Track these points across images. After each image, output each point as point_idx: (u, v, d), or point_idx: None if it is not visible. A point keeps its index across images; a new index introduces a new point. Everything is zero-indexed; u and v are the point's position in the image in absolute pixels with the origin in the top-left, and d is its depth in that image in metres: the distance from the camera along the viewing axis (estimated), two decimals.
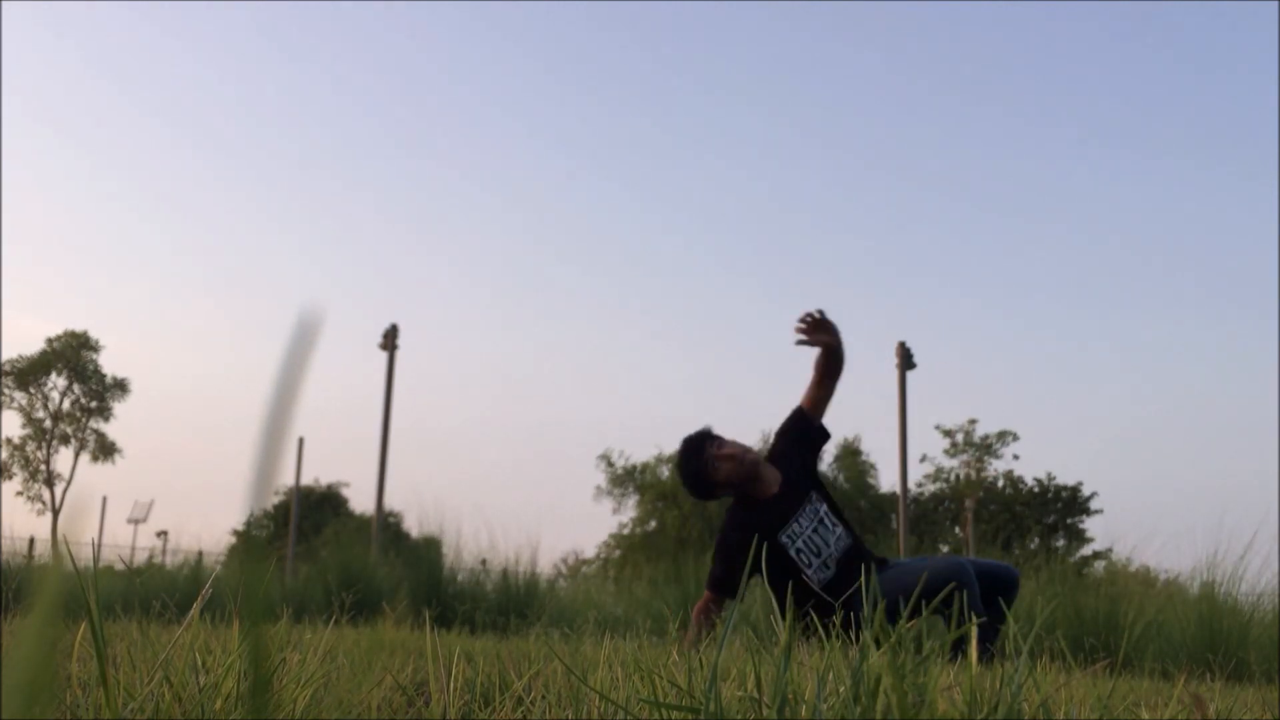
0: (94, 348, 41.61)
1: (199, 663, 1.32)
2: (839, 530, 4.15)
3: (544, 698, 1.52)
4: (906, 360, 11.29)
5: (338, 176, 53.56)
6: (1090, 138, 47.79)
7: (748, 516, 4.15)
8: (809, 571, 4.04)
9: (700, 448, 4.18)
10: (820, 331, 4.17)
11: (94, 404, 41.32)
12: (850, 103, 49.72)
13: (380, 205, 53.52)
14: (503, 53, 51.86)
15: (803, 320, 4.20)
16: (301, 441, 14.10)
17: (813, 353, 4.26)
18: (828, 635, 3.69)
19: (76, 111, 53.79)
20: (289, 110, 53.69)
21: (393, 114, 53.14)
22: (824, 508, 4.19)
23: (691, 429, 4.31)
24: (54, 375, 41.12)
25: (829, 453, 36.38)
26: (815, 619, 3.35)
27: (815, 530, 4.10)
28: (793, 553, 4.06)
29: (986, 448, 32.48)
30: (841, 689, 1.01)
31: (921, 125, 49.67)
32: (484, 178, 52.24)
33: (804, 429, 4.32)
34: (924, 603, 3.51)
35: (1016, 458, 32.54)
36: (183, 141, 54.05)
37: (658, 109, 51.66)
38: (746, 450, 4.19)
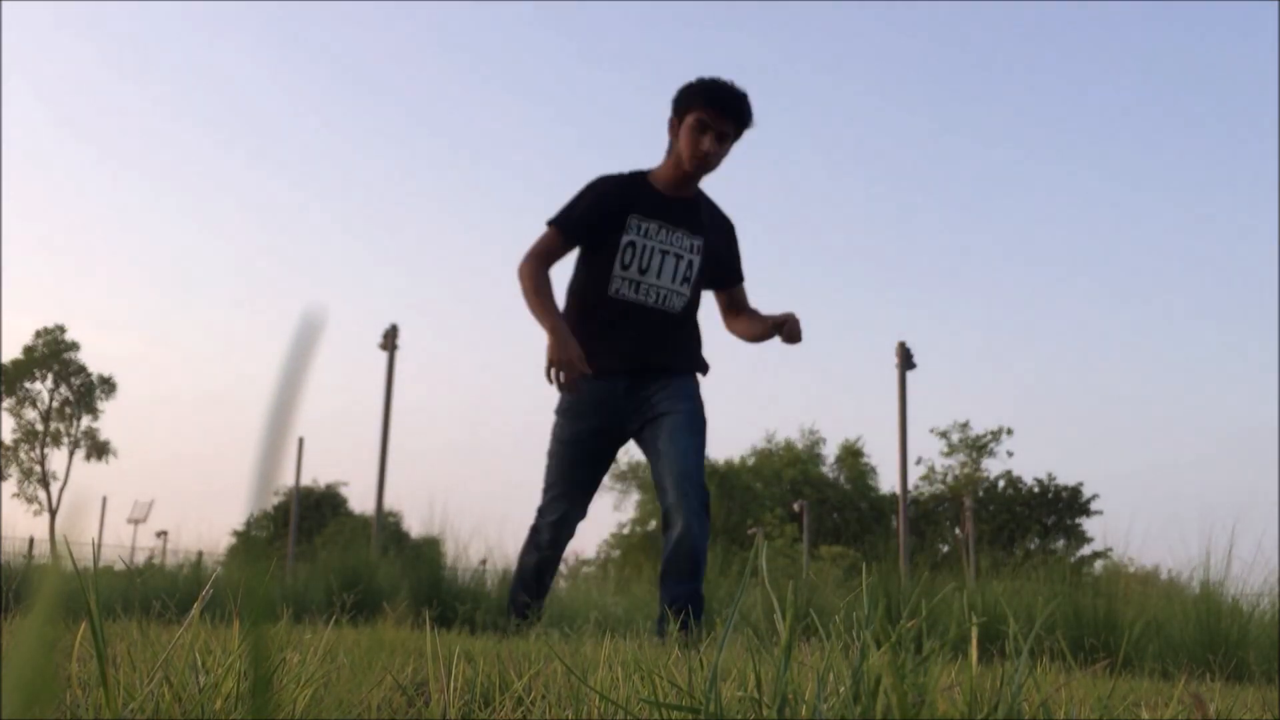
0: (72, 346, 41.56)
1: (199, 663, 1.32)
2: (685, 288, 3.85)
3: (544, 698, 1.52)
4: (906, 360, 11.29)
5: (338, 176, 53.55)
6: (1091, 137, 47.79)
7: (627, 188, 3.86)
8: (621, 272, 3.79)
9: (716, 98, 3.81)
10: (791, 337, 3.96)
11: (82, 403, 41.30)
12: (850, 102, 49.73)
13: (380, 205, 53.51)
14: (502, 52, 51.87)
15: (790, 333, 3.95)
16: (301, 441, 14.10)
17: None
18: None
19: (76, 111, 53.78)
20: (289, 110, 53.69)
21: (393, 114, 53.15)
22: (693, 259, 3.88)
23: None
24: (39, 376, 41.07)
25: (830, 454, 36.39)
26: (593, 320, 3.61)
27: (662, 253, 3.80)
28: (625, 240, 3.77)
29: (981, 447, 32.46)
30: (841, 689, 1.01)
31: (921, 125, 49.67)
32: (484, 177, 52.24)
33: (724, 271, 4.04)
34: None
35: (1010, 454, 32.53)
36: (183, 141, 54.04)
37: (658, 107, 51.67)
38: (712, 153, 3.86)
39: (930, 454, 33.40)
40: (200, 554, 9.96)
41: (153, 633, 2.40)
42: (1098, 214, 48.50)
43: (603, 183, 3.90)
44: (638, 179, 3.92)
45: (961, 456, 32.77)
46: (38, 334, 41.27)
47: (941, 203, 50.22)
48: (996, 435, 32.42)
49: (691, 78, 3.92)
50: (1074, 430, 42.35)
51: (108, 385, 41.91)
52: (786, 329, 3.87)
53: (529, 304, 3.73)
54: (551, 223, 3.84)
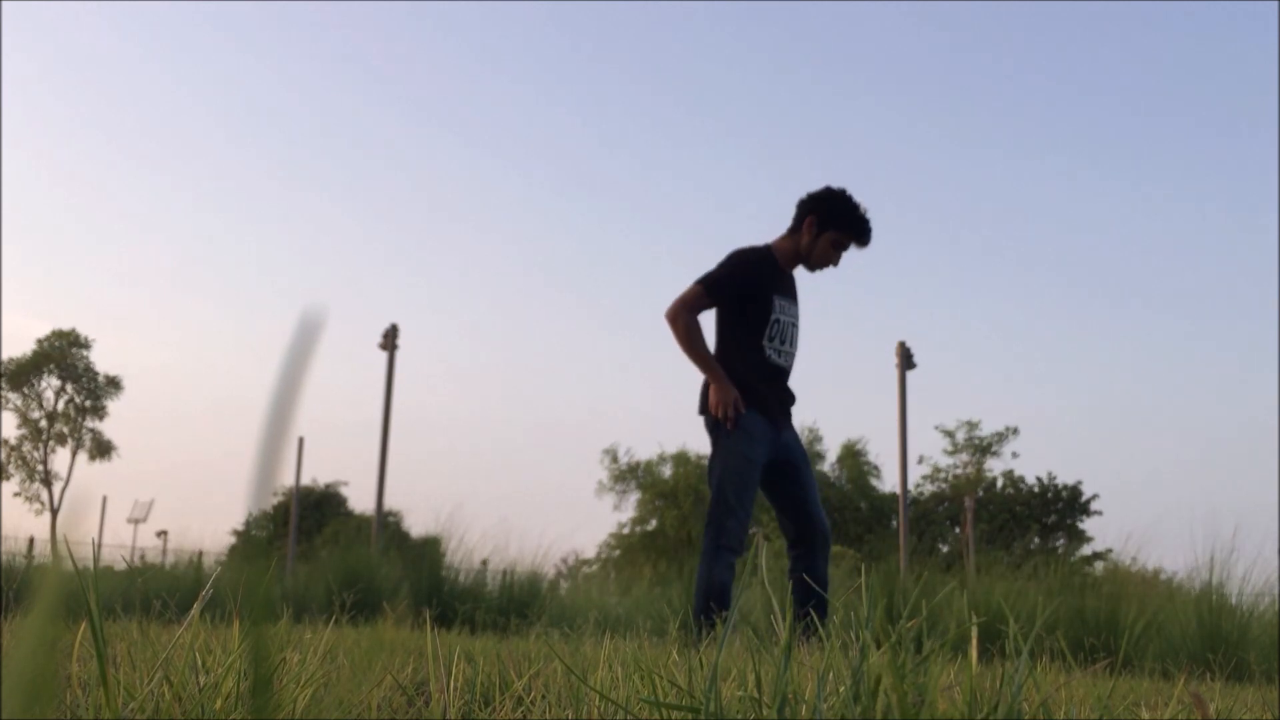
0: (84, 345, 41.61)
1: (199, 663, 1.32)
2: (795, 352, 4.53)
3: (544, 698, 1.52)
4: (906, 360, 11.30)
5: (337, 175, 53.58)
6: (1091, 137, 47.83)
7: (771, 266, 4.44)
8: (768, 343, 4.38)
9: (860, 231, 4.47)
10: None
11: (88, 403, 41.32)
12: (850, 102, 49.77)
13: (380, 205, 53.55)
14: (502, 52, 51.89)
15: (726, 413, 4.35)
16: (301, 441, 14.11)
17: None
18: (772, 403, 4.20)
19: (76, 111, 53.83)
20: (288, 109, 53.73)
21: (392, 113, 53.18)
22: (799, 324, 4.58)
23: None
24: (46, 375, 41.11)
25: (831, 453, 36.43)
26: (756, 380, 4.17)
27: (791, 326, 4.48)
28: (771, 317, 4.38)
29: (985, 448, 32.44)
30: (841, 689, 1.01)
31: (921, 124, 49.72)
32: (484, 177, 52.27)
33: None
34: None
35: (1016, 456, 32.52)
36: (183, 140, 54.07)
37: (658, 107, 51.72)
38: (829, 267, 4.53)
39: (934, 452, 33.43)
40: (200, 554, 9.97)
41: (153, 633, 2.40)
42: (1098, 214, 48.55)
43: (750, 260, 4.42)
44: (769, 257, 4.47)
45: (965, 456, 32.78)
46: (53, 334, 41.32)
47: (942, 202, 50.26)
48: (1003, 436, 32.43)
49: (839, 187, 4.51)
50: (1074, 430, 42.37)
51: (114, 385, 41.94)
52: (712, 402, 4.34)
53: (687, 350, 4.30)
54: (703, 284, 4.35)
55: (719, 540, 4.22)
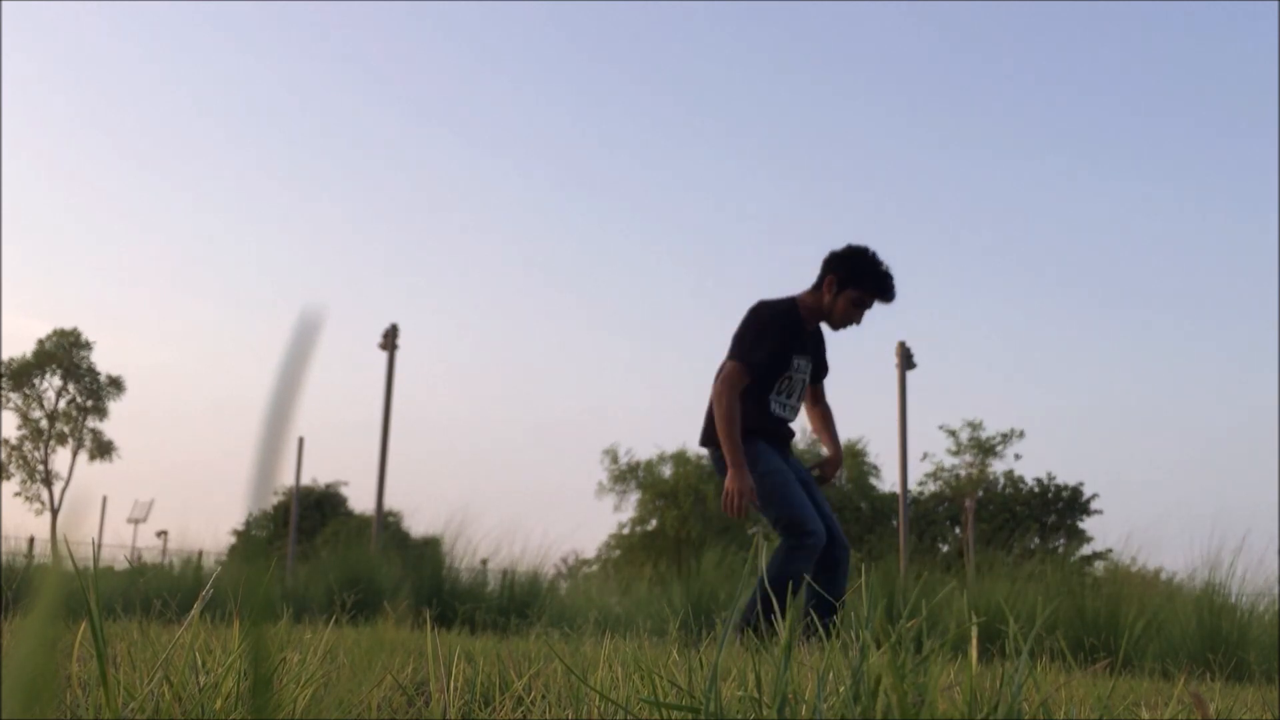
0: (85, 346, 41.63)
1: (199, 663, 1.32)
2: (799, 405, 4.72)
3: (544, 698, 1.52)
4: (906, 360, 11.30)
5: (337, 175, 53.59)
6: (1092, 137, 47.84)
7: (796, 322, 4.57)
8: (775, 396, 4.56)
9: (882, 288, 4.54)
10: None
11: (89, 403, 41.33)
12: (850, 102, 49.78)
13: (380, 205, 53.55)
14: (501, 53, 51.90)
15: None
16: (301, 441, 14.11)
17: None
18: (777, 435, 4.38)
19: (76, 110, 53.84)
20: (289, 109, 53.73)
21: (391, 113, 53.18)
22: (808, 380, 4.75)
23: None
24: (48, 375, 41.12)
25: None
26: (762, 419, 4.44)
27: (802, 381, 4.67)
28: (784, 374, 4.56)
29: (989, 449, 32.41)
30: (841, 689, 1.01)
31: (921, 124, 49.72)
32: (484, 176, 52.27)
33: (819, 363, 4.81)
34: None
35: (1018, 457, 32.49)
36: (183, 140, 54.08)
37: (657, 108, 51.70)
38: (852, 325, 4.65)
39: (937, 451, 33.37)
40: (200, 554, 9.97)
41: (153, 633, 2.40)
42: (1098, 214, 48.55)
43: (777, 326, 4.53)
44: (794, 313, 4.58)
45: (968, 456, 32.74)
46: (55, 334, 41.32)
47: (942, 203, 50.26)
48: (1007, 437, 32.39)
49: (860, 245, 4.58)
50: (1074, 430, 42.37)
51: (116, 386, 41.93)
52: (825, 470, 4.69)
53: (724, 432, 4.40)
54: (740, 362, 4.47)
55: (800, 539, 4.30)
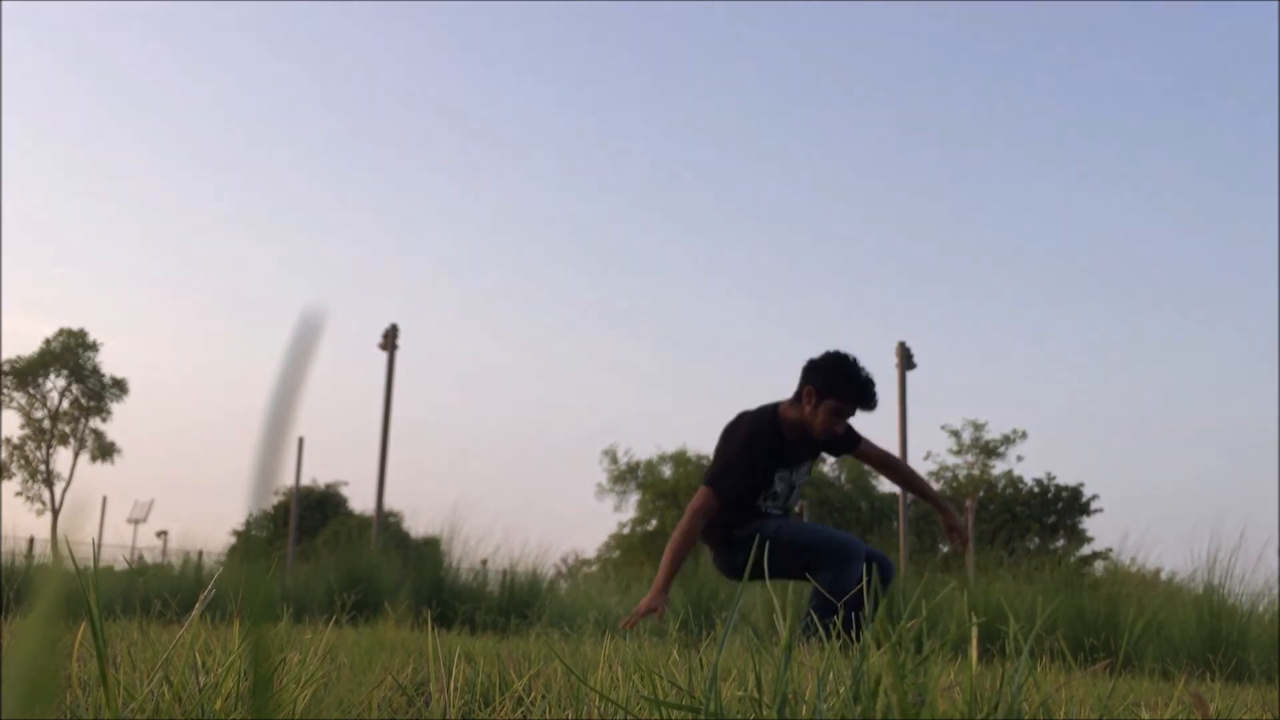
0: (92, 347, 41.63)
1: (199, 663, 1.32)
2: (796, 493, 4.67)
3: (544, 698, 1.52)
4: (906, 360, 11.30)
5: (338, 177, 53.59)
6: (1092, 137, 47.83)
7: (772, 440, 4.47)
8: (763, 502, 4.51)
9: (859, 395, 4.44)
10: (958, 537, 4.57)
11: (92, 404, 41.33)
12: (850, 102, 49.76)
13: (380, 205, 53.55)
14: (501, 53, 51.89)
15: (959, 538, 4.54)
16: (301, 441, 14.11)
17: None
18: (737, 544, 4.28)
19: (75, 110, 53.83)
20: (288, 109, 53.73)
21: (392, 114, 53.17)
22: (804, 477, 4.70)
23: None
24: (52, 375, 41.12)
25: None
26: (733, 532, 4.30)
27: (790, 487, 4.61)
28: (768, 490, 4.51)
29: (991, 450, 32.40)
30: (841, 689, 1.01)
31: (921, 123, 49.70)
32: (484, 177, 52.27)
33: (843, 441, 4.65)
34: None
35: (1020, 459, 32.49)
36: (182, 140, 54.08)
37: (656, 109, 51.69)
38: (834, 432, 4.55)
39: (940, 451, 33.35)
40: (200, 554, 9.96)
41: (153, 633, 2.40)
42: (1097, 214, 48.53)
43: (752, 448, 4.45)
44: (775, 429, 4.48)
45: (970, 456, 32.74)
46: (61, 334, 41.32)
47: (941, 203, 50.24)
48: (1010, 439, 32.38)
49: (838, 354, 4.50)
50: (1074, 430, 42.36)
51: (119, 387, 41.93)
52: (957, 535, 4.55)
53: (667, 551, 4.34)
54: (712, 487, 4.40)
55: (841, 549, 4.29)
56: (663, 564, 4.29)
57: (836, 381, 4.40)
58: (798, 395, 4.48)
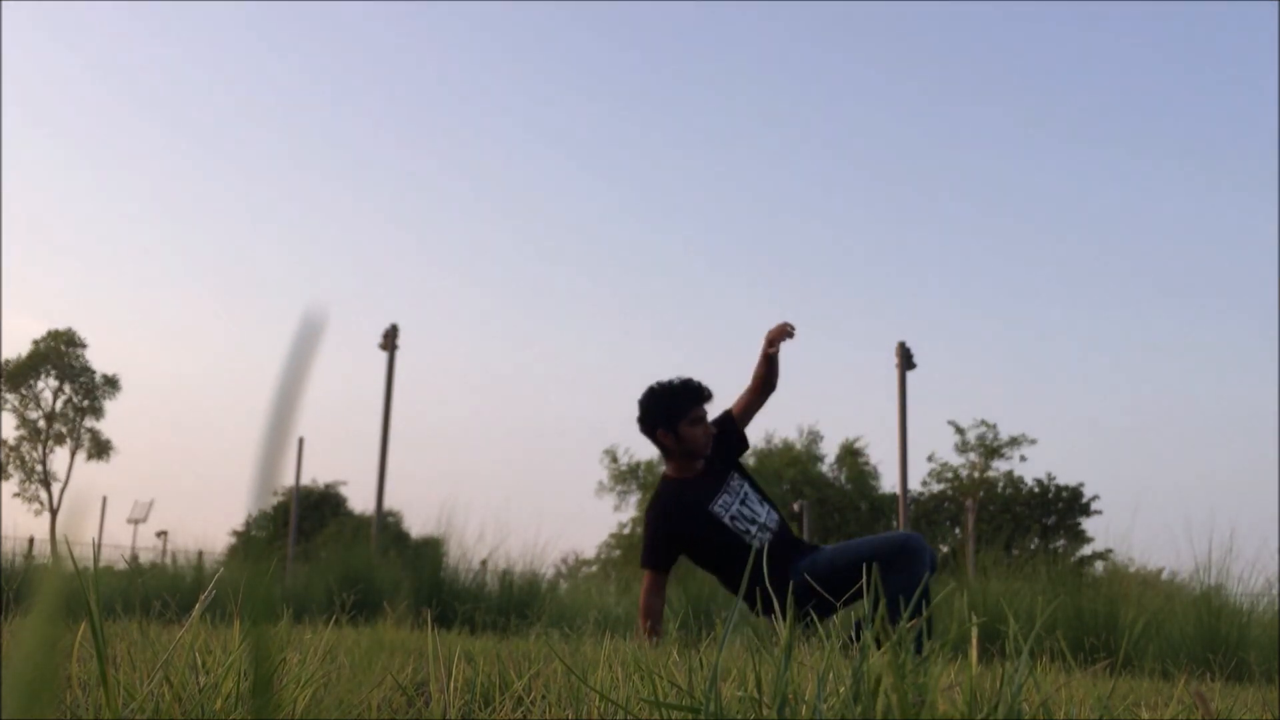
0: (79, 345, 41.60)
1: (199, 663, 1.32)
2: (766, 507, 4.48)
3: (544, 698, 1.52)
4: (906, 360, 11.30)
5: (337, 176, 53.58)
6: (1091, 136, 47.82)
7: (677, 493, 4.46)
8: (750, 539, 4.34)
9: (696, 397, 4.42)
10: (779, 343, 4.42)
11: (86, 403, 41.31)
12: (850, 102, 49.76)
13: (380, 205, 53.55)
14: (502, 53, 51.89)
15: (785, 334, 4.41)
16: (301, 441, 14.11)
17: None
18: (771, 604, 3.78)
19: (75, 110, 53.83)
20: (288, 109, 53.73)
21: (392, 114, 53.17)
22: (747, 486, 4.53)
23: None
24: (44, 376, 41.11)
25: (830, 453, 36.43)
26: (768, 590, 3.73)
27: (743, 503, 4.45)
28: (727, 520, 4.37)
29: (995, 451, 32.40)
30: (842, 689, 1.01)
31: (921, 123, 49.70)
32: (484, 177, 52.27)
33: (727, 432, 4.56)
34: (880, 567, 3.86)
35: (1024, 459, 32.48)
36: (182, 140, 54.08)
37: (656, 109, 51.70)
38: (712, 433, 4.48)
39: (943, 452, 33.34)
40: (200, 554, 9.96)
41: (153, 633, 2.40)
42: (1097, 214, 48.54)
43: (659, 513, 4.48)
44: (673, 485, 4.49)
45: (973, 456, 32.73)
46: (49, 335, 41.32)
47: (941, 203, 50.22)
48: (1018, 442, 32.35)
49: (646, 390, 4.51)
50: (1074, 430, 42.35)
51: (112, 385, 41.90)
52: (770, 337, 4.39)
53: (638, 628, 4.36)
54: (647, 567, 4.44)
55: (901, 545, 4.20)
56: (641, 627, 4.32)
57: (667, 408, 4.43)
58: (663, 449, 4.49)
